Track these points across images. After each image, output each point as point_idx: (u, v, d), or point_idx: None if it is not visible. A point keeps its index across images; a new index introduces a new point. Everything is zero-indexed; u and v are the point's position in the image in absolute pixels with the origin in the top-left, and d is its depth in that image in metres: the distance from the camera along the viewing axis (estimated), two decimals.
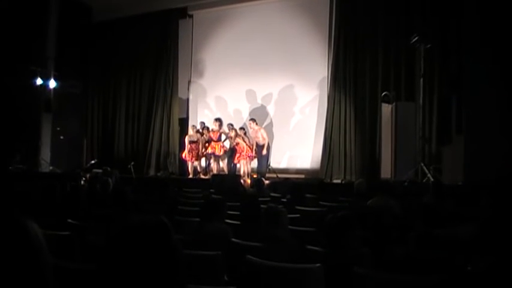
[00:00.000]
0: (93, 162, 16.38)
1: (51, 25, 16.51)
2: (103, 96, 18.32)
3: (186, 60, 17.12)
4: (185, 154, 15.16)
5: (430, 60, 12.15)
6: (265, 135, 14.12)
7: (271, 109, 15.37)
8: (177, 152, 16.68)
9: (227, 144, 14.67)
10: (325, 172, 13.86)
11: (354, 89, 13.93)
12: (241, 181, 12.44)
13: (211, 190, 10.00)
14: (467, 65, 10.89)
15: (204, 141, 14.80)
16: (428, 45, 11.49)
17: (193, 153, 14.94)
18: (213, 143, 14.61)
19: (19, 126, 15.68)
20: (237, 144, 14.11)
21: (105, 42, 17.87)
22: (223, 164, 14.77)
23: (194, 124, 15.43)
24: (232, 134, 14.20)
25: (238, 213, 5.60)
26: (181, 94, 17.05)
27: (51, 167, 15.61)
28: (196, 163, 15.15)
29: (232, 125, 14.64)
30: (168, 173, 15.95)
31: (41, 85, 15.75)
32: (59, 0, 16.66)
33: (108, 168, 12.37)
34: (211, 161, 14.85)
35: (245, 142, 14.04)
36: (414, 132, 11.79)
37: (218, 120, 14.80)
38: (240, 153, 14.05)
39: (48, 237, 1.52)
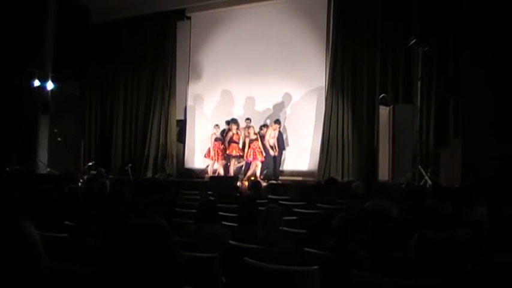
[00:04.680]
0: (90, 164, 16.35)
1: (49, 27, 16.50)
2: (101, 97, 18.29)
3: (184, 62, 17.11)
4: (210, 154, 14.85)
5: (428, 63, 12.14)
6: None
7: (268, 111, 15.35)
8: (174, 153, 16.68)
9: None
10: (323, 174, 13.81)
11: (351, 91, 13.91)
12: (238, 183, 12.42)
13: (208, 192, 9.99)
14: (464, 68, 10.92)
15: (231, 135, 14.53)
16: (426, 48, 11.50)
17: (219, 152, 14.74)
18: (234, 144, 14.46)
19: (16, 128, 15.67)
20: (253, 141, 14.13)
21: (103, 44, 17.83)
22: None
23: (217, 123, 15.17)
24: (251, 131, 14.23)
25: (235, 215, 5.60)
26: (179, 96, 17.02)
27: (48, 169, 15.60)
28: (218, 163, 14.84)
29: (249, 119, 14.77)
30: (166, 175, 15.93)
31: (38, 87, 15.73)
32: (57, 2, 16.64)
33: (102, 170, 12.37)
34: (231, 163, 14.73)
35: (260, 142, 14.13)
36: (412, 134, 11.78)
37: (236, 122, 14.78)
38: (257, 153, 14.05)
39: (45, 239, 1.52)
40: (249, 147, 14.08)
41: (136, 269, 1.50)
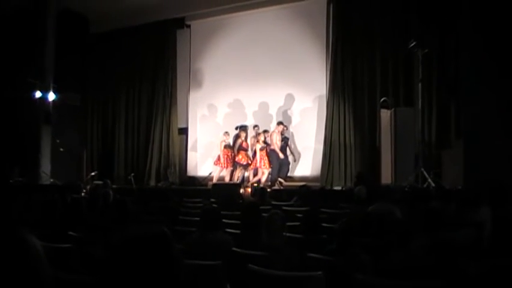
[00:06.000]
0: (93, 174, 16.37)
1: (49, 37, 16.50)
2: (102, 107, 18.35)
3: (184, 70, 17.15)
4: (220, 160, 14.76)
5: (428, 65, 12.14)
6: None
7: (270, 117, 15.36)
8: (177, 161, 16.69)
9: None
10: (326, 179, 13.84)
11: (352, 95, 13.93)
12: (241, 190, 12.39)
13: (211, 199, 9.99)
14: (465, 69, 10.90)
15: (240, 143, 14.53)
16: (426, 50, 11.48)
17: (228, 159, 14.71)
18: (243, 152, 14.48)
19: (19, 139, 15.70)
20: (263, 149, 14.10)
21: (103, 54, 17.90)
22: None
23: (227, 131, 15.05)
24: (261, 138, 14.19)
25: (239, 222, 5.60)
26: (180, 104, 17.06)
27: (51, 179, 15.60)
28: (226, 171, 14.81)
29: (258, 126, 14.76)
30: (169, 183, 15.92)
31: (40, 97, 15.75)
32: (56, 12, 16.67)
33: (108, 181, 12.36)
34: (237, 170, 14.73)
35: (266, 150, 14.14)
36: (413, 137, 11.77)
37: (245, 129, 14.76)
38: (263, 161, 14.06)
39: (49, 250, 1.52)
40: (259, 154, 14.07)
41: (140, 277, 1.51)
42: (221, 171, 14.84)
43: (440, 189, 8.76)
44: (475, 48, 10.48)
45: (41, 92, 15.72)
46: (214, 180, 14.67)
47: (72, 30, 17.21)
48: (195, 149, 16.83)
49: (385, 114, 12.63)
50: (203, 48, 16.83)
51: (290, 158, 14.48)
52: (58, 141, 16.47)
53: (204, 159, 16.40)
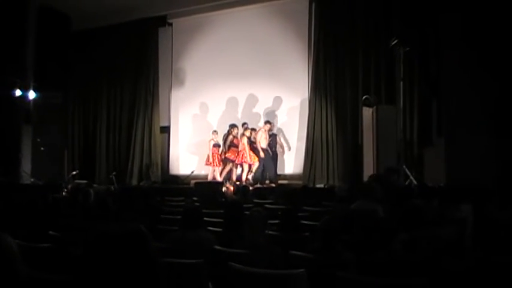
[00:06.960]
0: (74, 173, 16.24)
1: (30, 35, 16.35)
2: (84, 106, 18.20)
3: (166, 68, 17.06)
4: (209, 160, 14.77)
5: (410, 63, 12.19)
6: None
7: (253, 115, 15.34)
8: (159, 160, 16.62)
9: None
10: (308, 177, 13.85)
11: (334, 94, 13.94)
12: (224, 188, 12.37)
13: (194, 198, 9.96)
14: (446, 67, 10.97)
15: (231, 139, 14.53)
16: (408, 49, 11.52)
17: (218, 157, 14.71)
18: (234, 148, 14.43)
19: None
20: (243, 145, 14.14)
21: (85, 52, 17.73)
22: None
23: (216, 129, 15.14)
24: (247, 133, 14.22)
25: (221, 220, 5.59)
26: (162, 103, 16.98)
27: (32, 179, 15.45)
28: (218, 169, 14.79)
29: (247, 124, 14.71)
30: (151, 182, 15.85)
31: (20, 96, 15.59)
32: (37, 10, 16.51)
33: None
34: (227, 167, 14.72)
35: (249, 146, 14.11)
36: (395, 135, 11.81)
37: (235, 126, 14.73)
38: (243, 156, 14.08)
39: (29, 250, 1.50)
40: (247, 147, 14.10)
41: (115, 275, 1.48)
42: (214, 170, 14.81)
43: (423, 186, 8.78)
44: (456, 46, 10.56)
45: (21, 90, 15.56)
46: (210, 179, 14.69)
47: (54, 27, 17.03)
48: (177, 147, 16.76)
49: (367, 112, 12.66)
50: (185, 47, 16.77)
51: (279, 151, 14.59)
52: (39, 140, 16.32)
53: (187, 158, 16.35)
